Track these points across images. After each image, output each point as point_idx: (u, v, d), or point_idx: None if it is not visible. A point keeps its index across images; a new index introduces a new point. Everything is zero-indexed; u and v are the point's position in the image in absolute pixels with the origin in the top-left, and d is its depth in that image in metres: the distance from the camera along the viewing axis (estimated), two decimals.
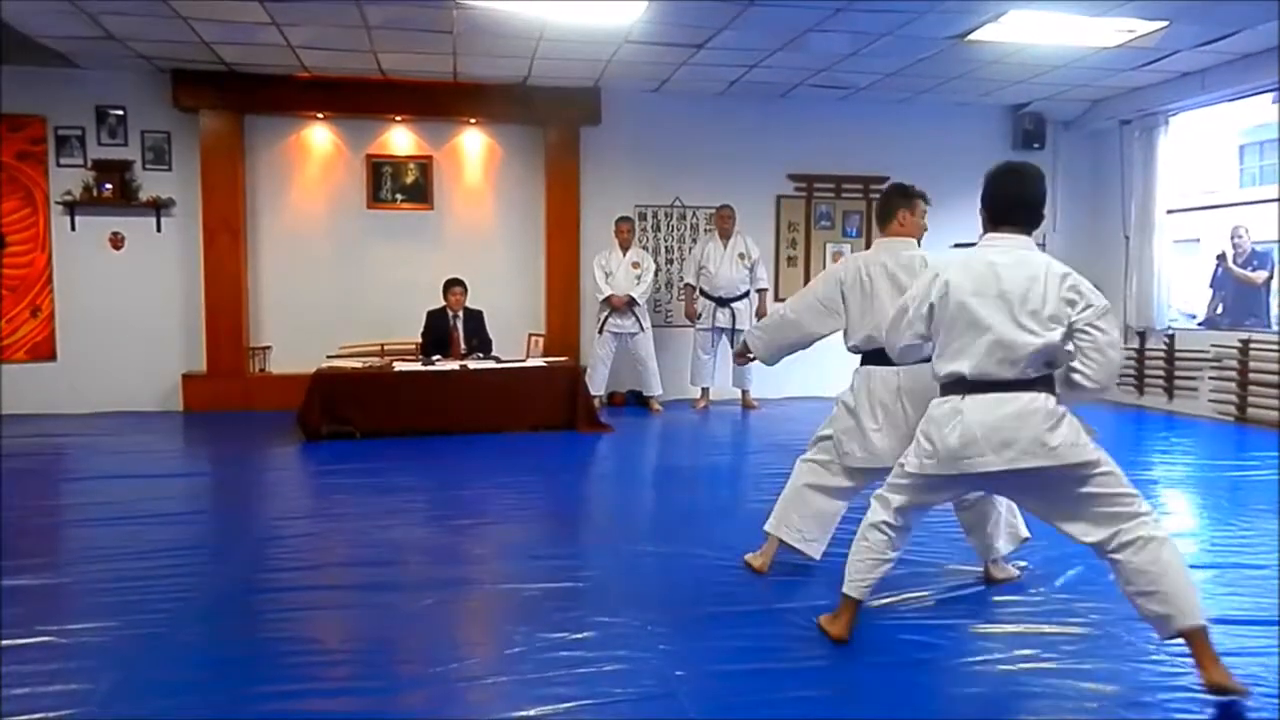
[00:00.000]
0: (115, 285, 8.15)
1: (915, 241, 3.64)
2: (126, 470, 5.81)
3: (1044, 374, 2.75)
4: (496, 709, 2.61)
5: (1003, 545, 3.61)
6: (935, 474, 2.85)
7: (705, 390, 8.51)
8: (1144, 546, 2.69)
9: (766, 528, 3.81)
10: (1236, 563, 3.93)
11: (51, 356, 8.09)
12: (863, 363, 3.63)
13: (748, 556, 3.88)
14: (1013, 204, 2.89)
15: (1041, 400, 2.73)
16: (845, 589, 3.06)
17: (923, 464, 2.87)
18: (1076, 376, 2.73)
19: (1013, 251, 2.82)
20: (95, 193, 8.00)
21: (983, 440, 2.74)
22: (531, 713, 2.58)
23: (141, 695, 2.68)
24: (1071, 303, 2.72)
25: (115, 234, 8.15)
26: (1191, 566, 3.84)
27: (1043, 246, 9.24)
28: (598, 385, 8.13)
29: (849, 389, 3.65)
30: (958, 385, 2.81)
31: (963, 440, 2.76)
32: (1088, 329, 2.71)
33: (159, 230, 8.22)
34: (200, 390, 8.15)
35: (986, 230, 2.92)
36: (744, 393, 8.52)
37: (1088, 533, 2.77)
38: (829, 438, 3.70)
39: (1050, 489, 2.79)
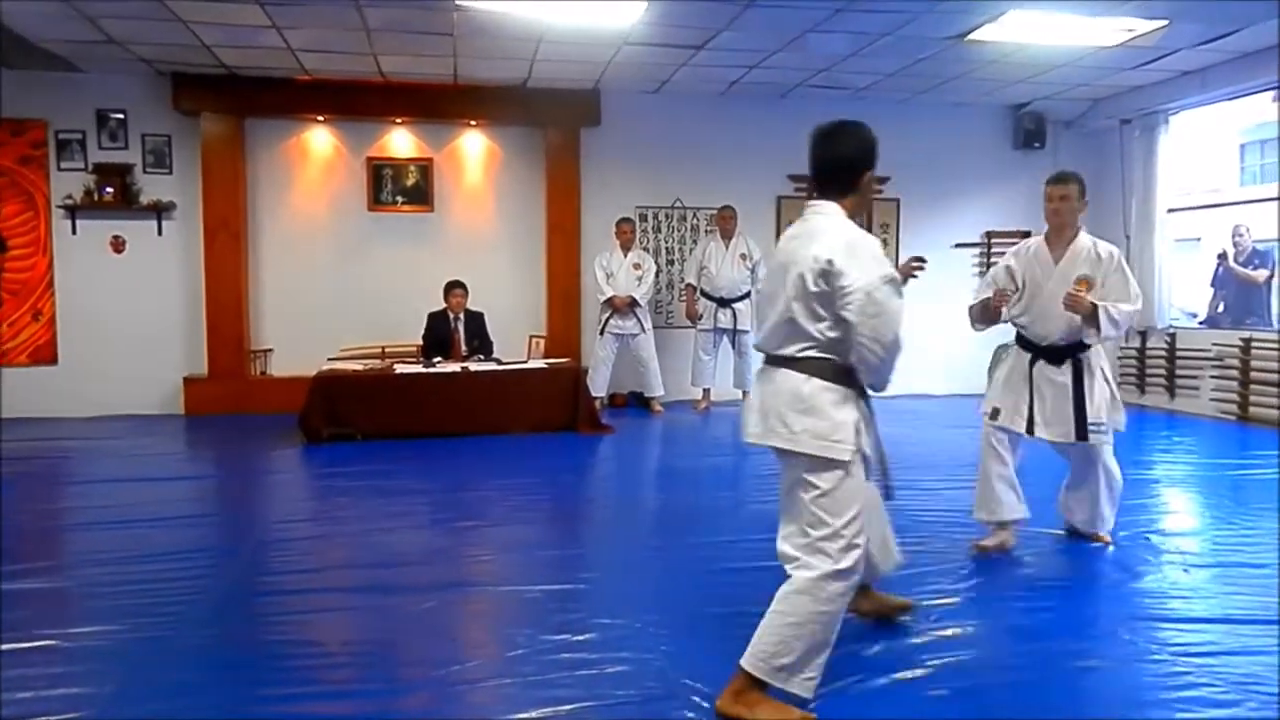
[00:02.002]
0: (116, 289, 8.16)
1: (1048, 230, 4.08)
2: (129, 474, 5.82)
3: (820, 356, 2.54)
4: (499, 711, 2.62)
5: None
6: None
7: (706, 391, 8.51)
8: (792, 586, 2.52)
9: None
10: (1239, 562, 3.93)
11: (53, 360, 8.10)
12: None
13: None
14: (819, 167, 2.68)
15: (798, 380, 2.54)
16: None
17: None
18: (854, 360, 2.52)
19: (811, 220, 2.65)
20: (96, 196, 8.02)
21: (752, 410, 2.69)
22: (533, 714, 2.58)
23: (145, 698, 2.68)
24: (825, 278, 2.48)
25: (116, 237, 8.17)
26: (1194, 565, 3.87)
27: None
28: (599, 386, 8.13)
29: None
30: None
31: (745, 408, 2.76)
32: (846, 312, 2.47)
33: (160, 233, 8.23)
34: (201, 393, 8.16)
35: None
36: (745, 394, 8.51)
37: (786, 539, 2.60)
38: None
39: (788, 479, 2.63)
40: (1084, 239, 4.03)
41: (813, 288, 2.50)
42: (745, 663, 2.53)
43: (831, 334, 2.52)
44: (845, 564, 2.50)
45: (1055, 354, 4.00)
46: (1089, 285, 3.89)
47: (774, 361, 2.63)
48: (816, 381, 2.53)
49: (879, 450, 2.65)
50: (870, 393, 2.63)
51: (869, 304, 2.44)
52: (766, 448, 2.64)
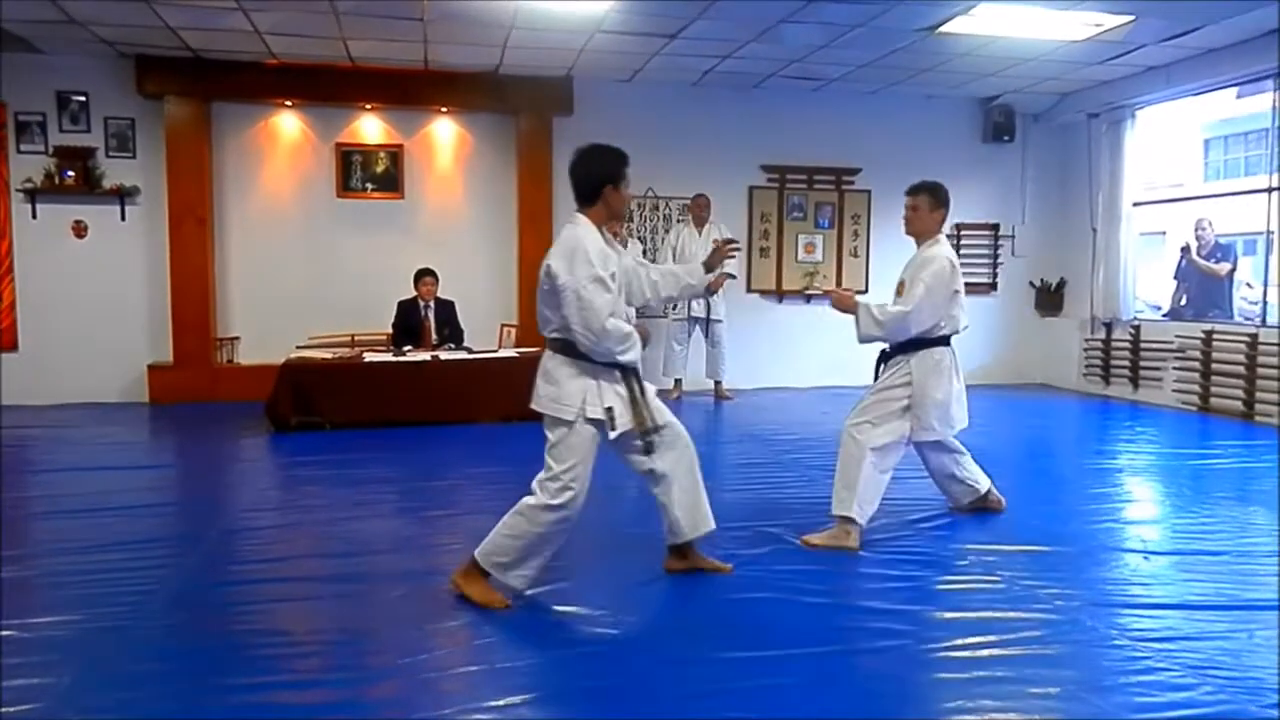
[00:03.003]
0: (78, 274, 8.01)
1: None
2: (91, 462, 5.72)
3: (561, 337, 3.20)
4: (467, 699, 2.61)
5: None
6: None
7: (678, 381, 8.52)
8: (517, 507, 3.22)
9: (846, 511, 3.98)
10: (1198, 549, 4.00)
11: (13, 347, 7.94)
12: (944, 344, 4.07)
13: (812, 538, 4.03)
14: (572, 183, 3.26)
15: (547, 356, 3.27)
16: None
17: None
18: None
19: (562, 230, 3.27)
20: (57, 180, 7.86)
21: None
22: (500, 703, 2.57)
23: (105, 688, 2.64)
24: (548, 277, 3.13)
25: (78, 222, 8.01)
26: (1154, 552, 3.94)
27: (1012, 239, 9.31)
28: None
29: (936, 367, 4.01)
30: None
31: None
32: (561, 306, 3.12)
33: (123, 219, 8.09)
34: (166, 381, 8.04)
35: None
36: (717, 384, 8.54)
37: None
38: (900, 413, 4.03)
39: None
40: (930, 248, 4.12)
41: (544, 286, 3.17)
42: (476, 553, 3.25)
43: (563, 320, 3.14)
44: (557, 501, 3.17)
45: (886, 355, 4.18)
46: (902, 288, 4.10)
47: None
48: (558, 357, 3.23)
49: (644, 415, 3.27)
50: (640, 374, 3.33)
51: (575, 300, 3.07)
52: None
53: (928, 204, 4.16)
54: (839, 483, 4.04)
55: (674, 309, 8.39)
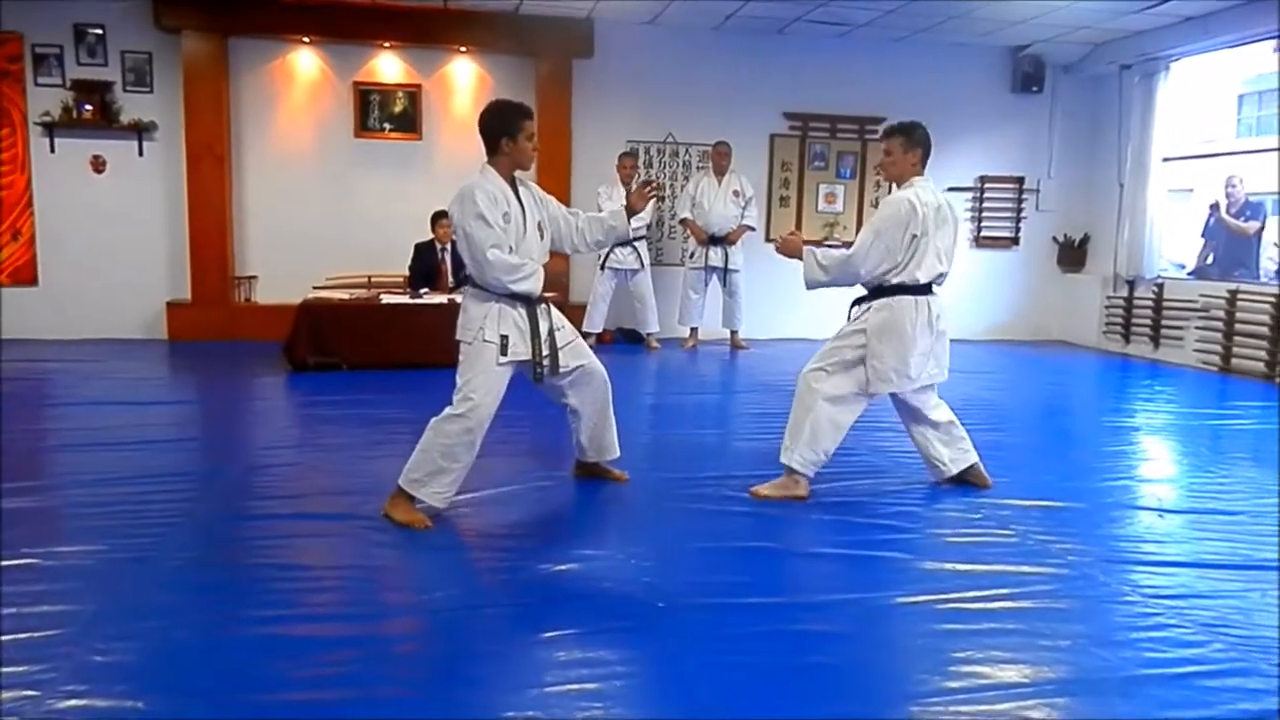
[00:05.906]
0: (97, 209, 8.01)
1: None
2: (111, 397, 5.78)
3: (470, 273, 3.57)
4: (478, 639, 2.65)
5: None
6: None
7: (694, 330, 8.50)
8: (429, 425, 3.52)
9: (787, 461, 3.96)
10: (1213, 508, 4.00)
11: (33, 281, 7.99)
12: (908, 293, 3.87)
13: (761, 489, 3.99)
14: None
15: (466, 290, 3.64)
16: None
17: None
18: None
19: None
20: (75, 114, 7.82)
21: None
22: (514, 644, 2.61)
23: (127, 618, 2.69)
24: (451, 219, 3.58)
25: (96, 157, 7.99)
26: (1169, 511, 3.93)
27: (1036, 193, 9.17)
28: (596, 323, 8.12)
29: (892, 317, 3.84)
30: None
31: None
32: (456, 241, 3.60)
33: (141, 154, 8.06)
34: (184, 319, 8.09)
35: None
36: (733, 333, 8.51)
37: None
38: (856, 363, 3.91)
39: None
40: (900, 191, 3.95)
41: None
42: (399, 479, 3.51)
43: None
44: (458, 410, 3.49)
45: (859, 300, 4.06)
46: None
47: None
48: (469, 289, 3.61)
49: (536, 348, 3.57)
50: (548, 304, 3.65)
51: (462, 235, 3.48)
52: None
53: (901, 146, 3.94)
54: (787, 430, 3.99)
55: (691, 258, 8.34)
